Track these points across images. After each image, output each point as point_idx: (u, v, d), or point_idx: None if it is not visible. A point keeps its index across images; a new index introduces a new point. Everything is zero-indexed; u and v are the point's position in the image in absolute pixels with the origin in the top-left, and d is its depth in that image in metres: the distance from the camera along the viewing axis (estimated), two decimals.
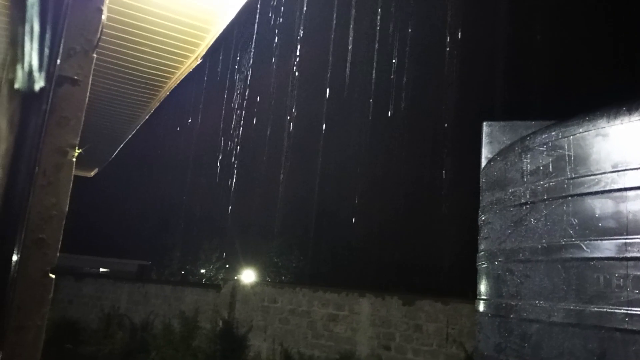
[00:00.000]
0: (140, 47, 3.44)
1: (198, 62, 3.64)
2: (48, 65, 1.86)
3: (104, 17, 2.15)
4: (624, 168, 1.90)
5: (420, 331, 8.93)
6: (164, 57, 3.54)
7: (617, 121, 1.98)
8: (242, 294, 10.44)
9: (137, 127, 5.17)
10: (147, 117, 4.89)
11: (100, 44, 2.31)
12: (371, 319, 9.63)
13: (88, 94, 1.91)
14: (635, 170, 1.86)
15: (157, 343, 9.68)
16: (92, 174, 7.24)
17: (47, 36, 1.82)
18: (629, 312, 1.74)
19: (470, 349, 7.88)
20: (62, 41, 1.85)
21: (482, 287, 2.56)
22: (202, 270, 16.73)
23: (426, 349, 8.80)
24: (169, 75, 3.85)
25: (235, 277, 11.97)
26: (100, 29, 2.06)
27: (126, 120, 4.82)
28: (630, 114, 1.96)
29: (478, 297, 2.60)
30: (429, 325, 8.83)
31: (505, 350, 2.18)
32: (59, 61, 1.76)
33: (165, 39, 3.28)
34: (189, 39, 3.26)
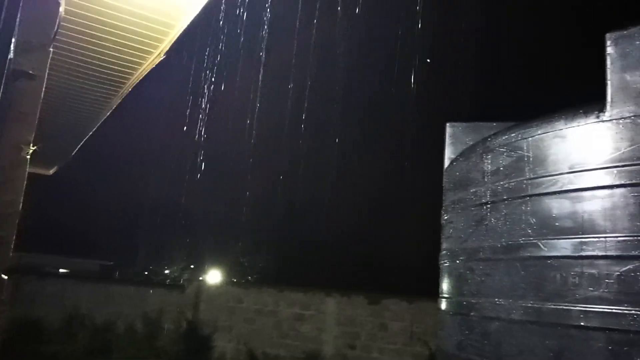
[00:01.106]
0: (101, 42, 3.35)
1: (162, 58, 3.57)
2: (2, 59, 1.80)
3: (62, 10, 2.09)
4: (580, 169, 1.95)
5: (385, 330, 9.00)
6: (126, 52, 3.46)
7: (574, 123, 2.04)
8: (207, 294, 10.32)
9: (99, 124, 5.05)
10: (108, 113, 4.77)
11: (58, 37, 2.24)
12: (337, 318, 9.66)
13: (45, 88, 1.85)
14: (591, 172, 1.91)
15: (120, 343, 9.48)
16: (52, 171, 7.03)
17: (0, 29, 1.76)
18: (584, 309, 1.78)
19: (434, 347, 7.98)
20: (17, 34, 1.79)
21: (445, 285, 2.59)
22: (167, 271, 16.48)
23: (391, 347, 8.88)
24: (131, 70, 3.76)
25: (200, 278, 11.83)
26: (57, 22, 1.99)
27: (87, 117, 4.70)
28: (586, 116, 2.01)
29: (440, 295, 2.63)
30: (394, 324, 8.91)
31: (466, 348, 2.22)
32: (12, 55, 1.70)
33: (127, 34, 3.21)
34: (152, 34, 3.19)
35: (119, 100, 4.41)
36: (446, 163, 2.92)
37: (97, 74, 3.84)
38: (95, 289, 11.14)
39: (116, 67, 3.74)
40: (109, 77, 3.95)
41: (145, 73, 3.79)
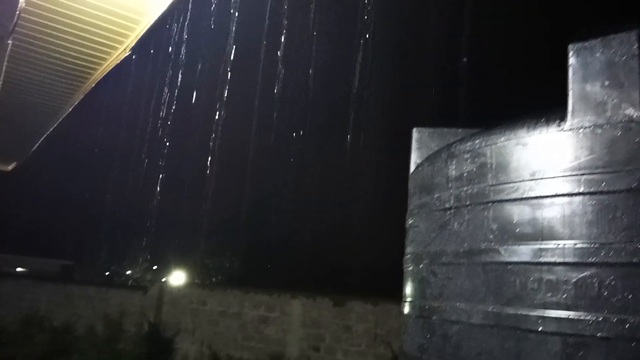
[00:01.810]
0: (64, 35, 3.27)
1: (127, 54, 3.50)
2: None
3: (22, 2, 2.02)
4: (540, 177, 1.99)
5: (349, 332, 9.03)
6: (90, 46, 3.38)
7: (536, 132, 2.08)
8: (170, 296, 10.16)
9: (60, 120, 4.92)
10: (70, 109, 4.66)
11: (19, 29, 2.17)
12: (302, 320, 9.64)
13: (2, 82, 1.78)
14: (551, 179, 1.95)
15: (80, 346, 9.26)
16: (10, 167, 6.82)
17: None
18: (542, 314, 1.82)
19: (397, 349, 8.05)
20: None
21: (408, 289, 2.61)
22: (128, 272, 16.16)
23: (355, 349, 8.91)
24: (94, 66, 3.68)
25: (163, 279, 11.64)
26: (17, 14, 1.93)
27: (47, 112, 4.58)
28: (548, 125, 2.06)
29: (403, 299, 2.65)
30: (359, 326, 8.95)
31: (427, 350, 2.24)
32: None
33: (91, 28, 3.13)
34: (117, 29, 3.13)
35: (82, 96, 4.31)
36: (412, 168, 2.94)
37: (59, 68, 3.75)
38: (55, 289, 10.86)
39: (79, 62, 3.65)
40: (71, 72, 3.86)
41: (110, 69, 3.71)
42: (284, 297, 9.70)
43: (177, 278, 13.70)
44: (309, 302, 9.44)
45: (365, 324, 8.91)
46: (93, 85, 4.04)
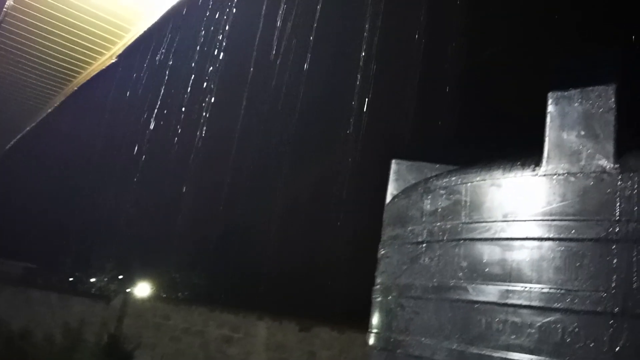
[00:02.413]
0: (50, 37, 3.23)
1: (113, 61, 3.47)
2: None
3: (10, 0, 2.00)
4: (512, 219, 2.02)
5: (313, 358, 8.92)
6: (76, 50, 3.34)
7: (511, 174, 2.11)
8: (134, 308, 9.93)
9: (38, 120, 4.83)
10: (49, 110, 4.58)
11: (3, 25, 2.14)
12: (266, 343, 9.50)
13: None
14: (522, 222, 1.98)
15: (36, 353, 8.95)
16: None
17: None
18: (505, 356, 1.83)
19: None
20: None
21: (375, 320, 2.60)
22: (93, 280, 15.77)
23: None
24: (79, 70, 3.64)
25: (128, 290, 11.39)
26: (3, 11, 1.91)
27: (24, 111, 4.49)
28: (523, 169, 2.10)
29: (369, 329, 2.63)
30: (323, 353, 8.85)
31: None
32: None
33: (79, 32, 3.10)
34: (106, 36, 3.11)
35: (62, 98, 4.25)
36: (388, 198, 2.96)
37: (42, 68, 3.69)
38: (14, 293, 10.52)
39: (63, 64, 3.60)
40: (54, 73, 3.80)
41: (94, 74, 3.67)
42: (250, 317, 9.56)
43: (142, 290, 13.41)
44: (275, 324, 9.32)
45: (330, 351, 8.82)
46: (75, 88, 3.99)
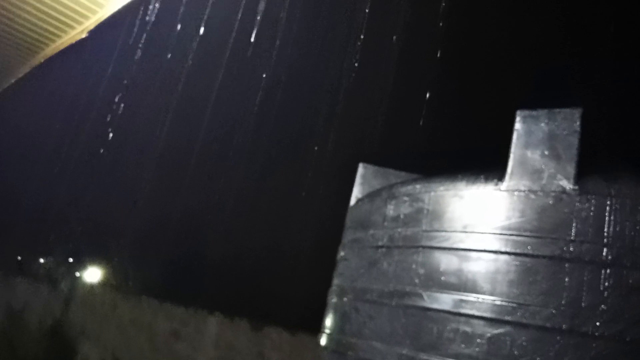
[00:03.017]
0: (20, 4, 3.11)
1: (83, 36, 3.37)
2: None
3: None
4: (471, 230, 2.05)
5: (262, 358, 8.86)
6: (46, 20, 3.24)
7: (474, 187, 2.15)
8: (81, 294, 9.67)
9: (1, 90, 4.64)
10: (12, 80, 4.41)
11: None
12: (215, 340, 9.38)
13: None
14: (481, 234, 2.01)
15: None
16: None
17: None
18: None
19: None
20: None
21: (328, 321, 2.60)
22: (41, 260, 15.27)
23: None
24: (46, 41, 3.51)
25: (77, 274, 11.07)
26: None
27: None
28: (486, 182, 2.13)
29: (322, 330, 2.63)
30: (273, 354, 8.79)
31: None
32: None
33: (51, 2, 3.00)
34: (78, 9, 3.01)
35: (28, 69, 4.09)
36: (352, 201, 2.97)
37: (8, 36, 3.55)
38: None
39: (31, 35, 3.47)
40: (20, 42, 3.66)
41: (62, 48, 3.55)
42: (200, 313, 9.42)
43: (92, 276, 13.05)
44: (226, 322, 9.21)
45: (280, 353, 8.77)
46: (42, 60, 3.85)
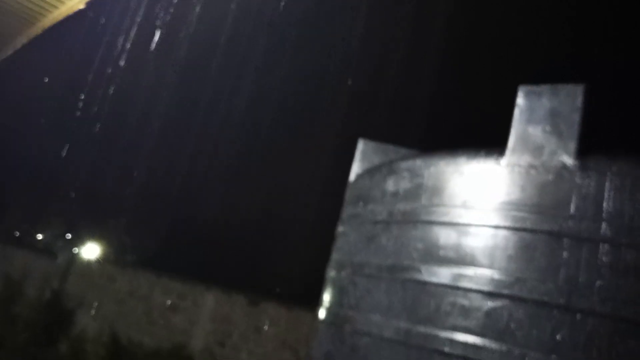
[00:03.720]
0: None
1: (81, 7, 3.32)
2: None
3: None
4: (471, 206, 2.05)
5: (259, 333, 8.96)
6: None
7: (475, 162, 2.14)
8: (79, 266, 9.71)
9: None
10: (10, 52, 4.36)
11: None
12: (212, 314, 9.47)
13: None
14: (480, 209, 2.02)
15: None
16: None
17: None
18: (451, 337, 1.87)
19: (302, 357, 8.05)
20: None
21: (326, 295, 2.61)
22: (40, 236, 15.30)
23: (261, 351, 8.84)
24: (44, 12, 3.46)
25: (75, 249, 11.12)
26: None
27: None
28: (486, 158, 2.13)
29: (320, 304, 2.65)
30: (269, 329, 8.90)
31: (333, 358, 2.24)
32: None
33: None
34: None
35: (25, 40, 4.04)
36: (352, 177, 2.96)
37: (6, 7, 3.49)
38: None
39: (30, 5, 3.42)
40: (18, 13, 3.60)
41: (61, 18, 3.50)
42: (198, 287, 9.49)
43: (90, 250, 13.11)
44: (224, 297, 9.29)
45: (276, 328, 8.86)
46: (40, 31, 3.80)
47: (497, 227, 1.93)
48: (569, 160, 1.90)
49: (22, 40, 3.94)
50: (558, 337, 1.71)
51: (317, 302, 2.73)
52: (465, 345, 1.82)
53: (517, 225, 1.90)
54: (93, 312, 9.29)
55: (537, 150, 1.99)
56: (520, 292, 1.80)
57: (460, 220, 2.04)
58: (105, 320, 9.18)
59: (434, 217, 2.12)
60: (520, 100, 2.09)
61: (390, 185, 2.41)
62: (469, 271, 1.92)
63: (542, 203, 1.89)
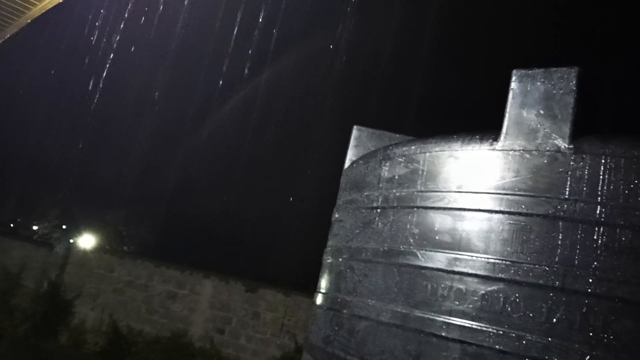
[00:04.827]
0: None
1: None
2: None
3: None
4: (466, 190, 2.06)
5: (257, 319, 9.01)
6: None
7: (469, 147, 2.15)
8: (77, 257, 9.71)
9: None
10: (0, 42, 4.32)
11: None
12: (211, 301, 9.50)
13: None
14: (475, 194, 2.02)
15: None
16: None
17: None
18: (447, 320, 1.88)
19: (301, 341, 8.10)
20: None
21: (323, 281, 2.63)
22: (35, 227, 15.28)
23: (260, 336, 8.89)
24: (32, 1, 3.42)
25: (72, 240, 11.11)
26: None
27: None
28: (481, 142, 2.13)
29: (317, 290, 2.66)
30: (267, 314, 8.95)
31: (332, 342, 2.26)
32: None
33: None
34: None
35: (15, 31, 4.00)
36: (347, 164, 2.96)
37: None
38: None
39: None
40: (7, 3, 3.57)
41: (50, 6, 3.46)
42: (196, 275, 9.52)
43: (87, 241, 13.11)
44: (222, 284, 9.33)
45: (274, 313, 8.93)
46: (28, 21, 3.75)
47: (492, 211, 1.94)
48: (563, 143, 1.91)
49: (11, 30, 3.88)
50: (554, 319, 1.73)
51: (313, 287, 2.75)
52: (461, 328, 1.83)
53: (512, 209, 1.90)
54: (92, 302, 9.31)
55: (531, 133, 1.99)
56: (515, 275, 1.81)
57: (456, 205, 2.04)
58: (105, 310, 9.20)
59: (429, 202, 2.12)
60: (514, 84, 2.08)
61: (386, 171, 2.41)
62: (465, 255, 1.93)
63: (537, 186, 1.90)
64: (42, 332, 8.42)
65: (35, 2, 3.51)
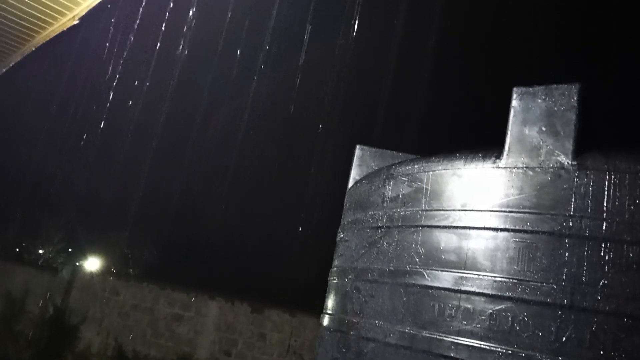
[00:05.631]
0: None
1: (74, 23, 3.33)
2: None
3: None
4: (470, 208, 2.05)
5: (263, 340, 8.94)
6: (36, 8, 3.19)
7: (472, 165, 2.15)
8: (82, 281, 9.69)
9: None
10: (4, 70, 4.37)
11: None
12: (217, 323, 9.44)
13: None
14: (480, 212, 2.02)
15: None
16: None
17: None
18: (455, 341, 1.87)
19: None
20: None
21: (330, 302, 2.61)
22: (41, 251, 15.28)
23: (266, 358, 8.82)
24: (38, 29, 3.47)
25: (77, 263, 11.09)
26: None
27: None
28: (484, 160, 2.13)
29: (324, 311, 2.65)
30: (274, 335, 8.89)
31: None
32: None
33: None
34: None
35: (19, 58, 4.06)
36: (350, 183, 2.97)
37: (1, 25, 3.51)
38: None
39: (22, 22, 3.44)
40: (12, 32, 3.62)
41: (54, 35, 3.52)
42: (201, 297, 9.48)
43: (92, 264, 13.10)
44: (227, 305, 9.28)
45: (281, 334, 8.86)
46: (33, 48, 3.80)
47: (497, 229, 1.93)
48: (566, 159, 1.91)
49: (15, 58, 3.94)
50: (563, 337, 1.71)
51: (319, 306, 2.73)
52: (470, 348, 1.82)
53: (517, 226, 1.90)
54: (97, 326, 9.27)
55: (534, 151, 1.99)
56: (523, 293, 1.80)
57: (461, 224, 2.04)
58: (110, 334, 9.16)
59: (434, 221, 2.12)
60: (515, 101, 2.09)
61: (390, 190, 2.41)
62: (471, 274, 1.92)
63: (541, 203, 1.89)
64: (47, 358, 8.37)
65: (40, 30, 3.56)
